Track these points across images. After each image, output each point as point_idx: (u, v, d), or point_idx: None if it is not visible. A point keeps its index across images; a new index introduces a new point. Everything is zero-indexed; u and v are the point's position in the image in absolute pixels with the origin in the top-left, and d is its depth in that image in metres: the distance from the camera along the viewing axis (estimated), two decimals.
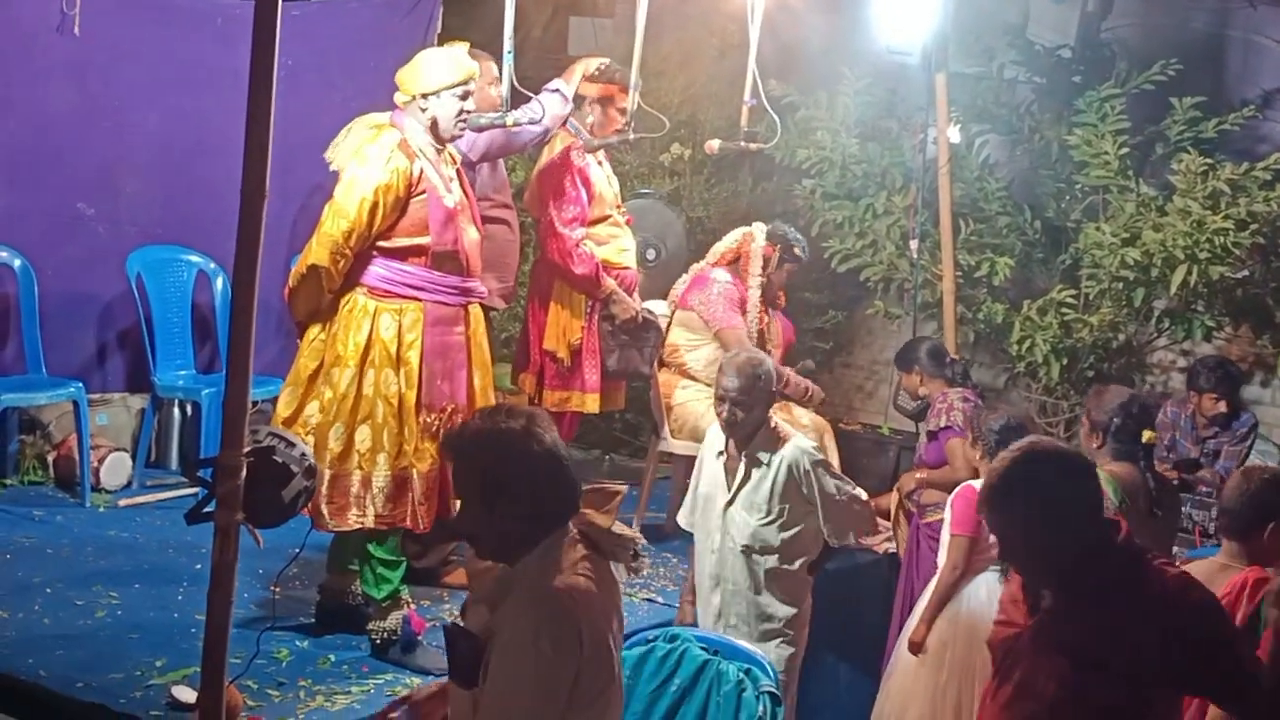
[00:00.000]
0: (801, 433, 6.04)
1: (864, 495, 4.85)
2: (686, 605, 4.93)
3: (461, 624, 2.93)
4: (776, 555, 4.66)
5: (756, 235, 6.25)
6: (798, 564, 4.72)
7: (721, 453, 4.72)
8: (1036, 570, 3.05)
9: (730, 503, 4.67)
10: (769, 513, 4.63)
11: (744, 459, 4.64)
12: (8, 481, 6.18)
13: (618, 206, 5.84)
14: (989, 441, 5.17)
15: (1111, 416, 4.68)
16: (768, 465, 4.63)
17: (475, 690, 2.83)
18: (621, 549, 2.92)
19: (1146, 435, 4.64)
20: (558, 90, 5.31)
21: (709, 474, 4.79)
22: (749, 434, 4.63)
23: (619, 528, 2.94)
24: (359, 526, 4.49)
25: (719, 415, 4.64)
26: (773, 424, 4.69)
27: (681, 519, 4.97)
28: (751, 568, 4.66)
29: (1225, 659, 2.97)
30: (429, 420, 4.48)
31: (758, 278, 6.21)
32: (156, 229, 6.55)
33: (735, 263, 6.26)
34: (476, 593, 3.01)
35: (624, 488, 3.11)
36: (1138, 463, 4.65)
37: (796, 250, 6.33)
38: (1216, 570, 3.96)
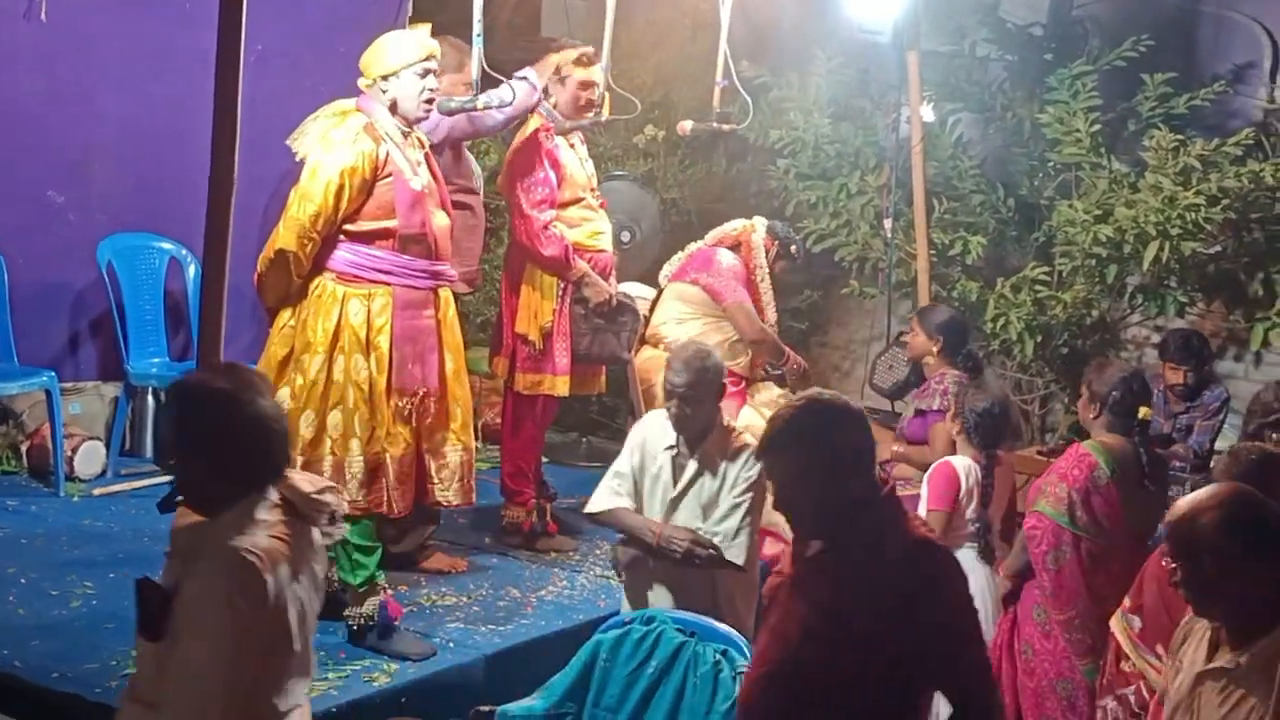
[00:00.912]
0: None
1: (752, 548, 4.48)
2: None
3: (154, 579, 2.95)
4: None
5: (757, 227, 6.26)
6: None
7: (672, 446, 4.48)
8: (808, 519, 3.03)
9: (677, 500, 4.44)
10: (715, 519, 4.41)
11: (696, 459, 4.43)
12: None
13: (592, 190, 5.82)
14: (968, 421, 5.20)
15: (1111, 390, 4.70)
16: (721, 468, 4.41)
17: (160, 645, 2.85)
18: (317, 512, 2.96)
19: (1143, 411, 4.68)
20: (526, 78, 5.28)
21: (657, 464, 4.52)
22: (700, 431, 4.43)
23: (320, 492, 2.99)
24: None
25: (669, 412, 4.46)
26: (726, 421, 4.50)
27: (610, 501, 4.59)
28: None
29: (957, 640, 2.92)
30: (401, 405, 4.48)
31: (764, 269, 6.22)
32: (128, 216, 6.50)
33: (734, 249, 6.26)
34: (174, 545, 3.03)
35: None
36: (1132, 437, 4.68)
37: (793, 249, 6.37)
38: None
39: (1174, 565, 3.01)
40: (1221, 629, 3.01)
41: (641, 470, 4.57)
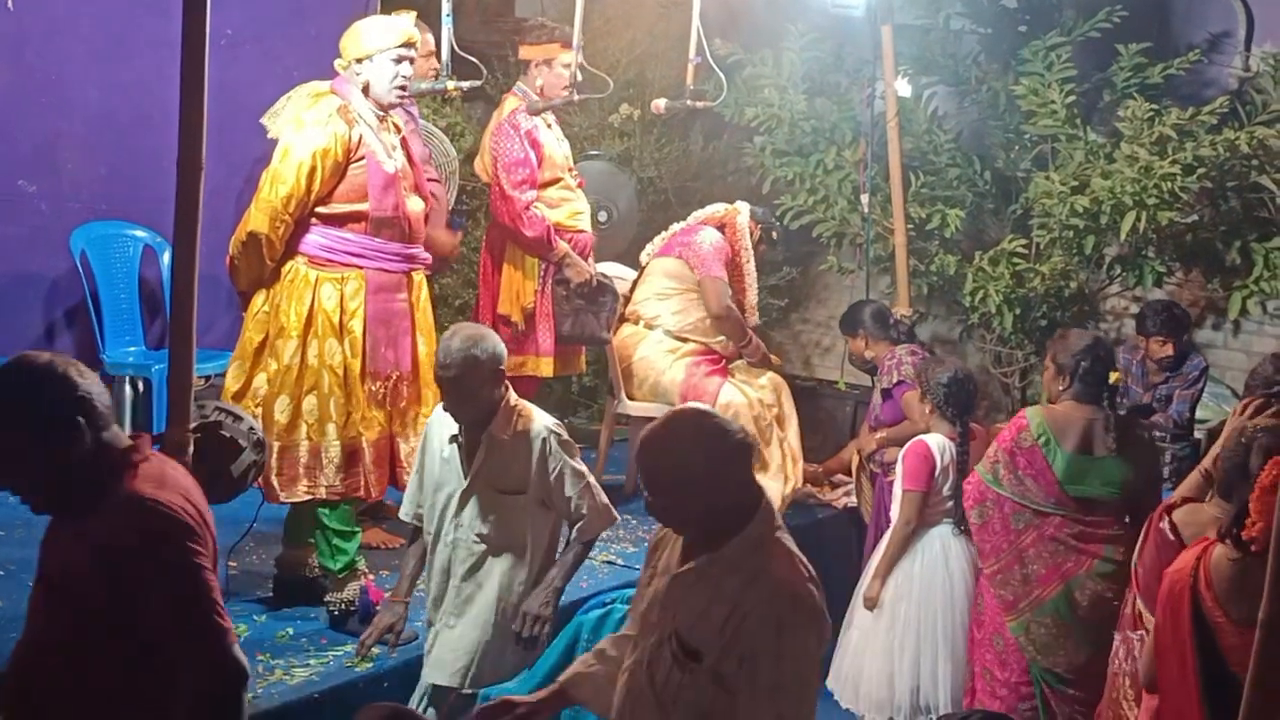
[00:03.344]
0: (760, 391, 6.09)
1: (601, 499, 4.22)
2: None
3: None
4: (514, 546, 4.18)
5: (741, 210, 6.27)
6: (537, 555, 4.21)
7: (455, 438, 4.17)
8: (27, 490, 2.89)
9: (468, 490, 4.15)
10: (510, 502, 4.14)
11: (483, 442, 4.11)
12: None
13: (570, 169, 5.81)
14: (937, 395, 5.23)
15: (1079, 360, 4.74)
16: (512, 447, 4.12)
17: None
18: None
19: (1114, 376, 4.72)
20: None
21: (439, 460, 4.23)
22: (482, 415, 4.09)
23: None
24: (309, 497, 4.48)
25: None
26: (512, 401, 4.16)
27: (405, 512, 4.35)
28: (485, 558, 4.16)
29: (173, 603, 2.76)
30: (375, 388, 4.47)
31: (749, 251, 6.24)
32: (100, 205, 6.47)
33: (719, 230, 6.26)
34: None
35: None
36: (1101, 404, 4.71)
37: (774, 234, 6.45)
38: (1209, 522, 3.98)
39: (649, 497, 3.02)
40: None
41: (428, 466, 4.28)
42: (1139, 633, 4.11)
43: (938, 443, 5.17)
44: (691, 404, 3.21)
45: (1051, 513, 4.66)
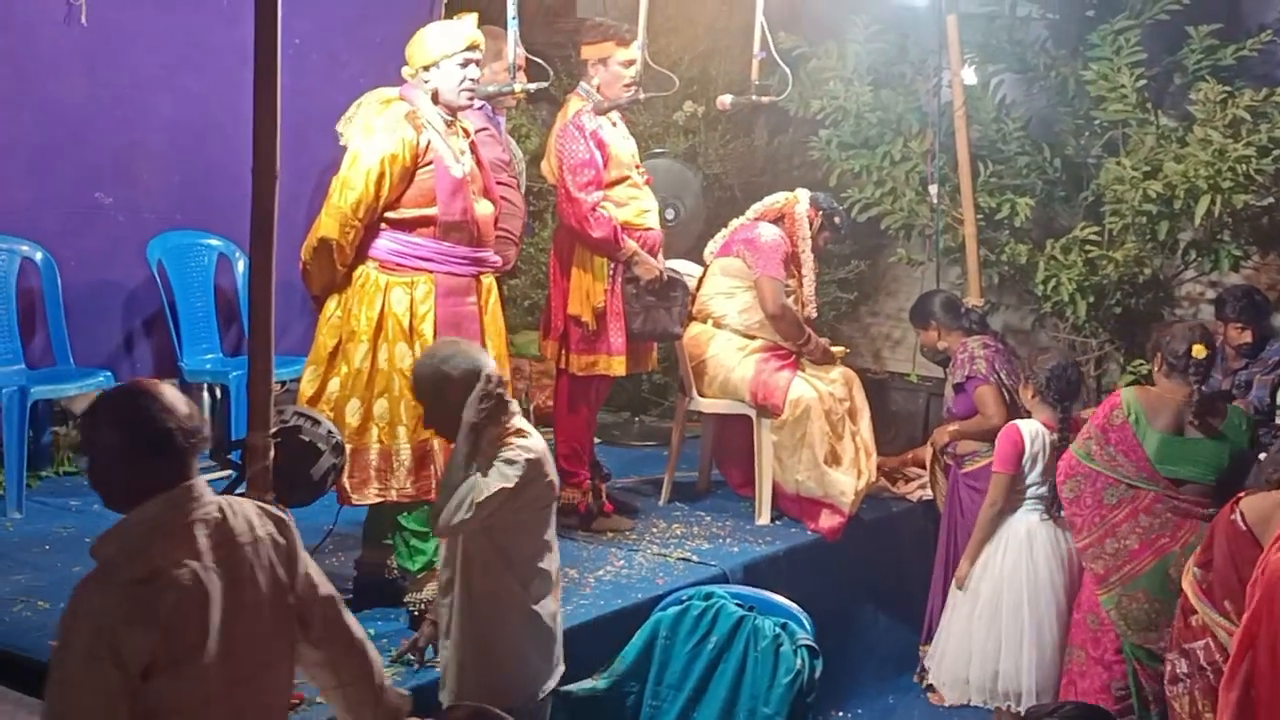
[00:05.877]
0: (831, 385, 6.08)
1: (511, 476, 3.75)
2: None
3: None
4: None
5: (801, 199, 6.26)
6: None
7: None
8: None
9: None
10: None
11: (476, 463, 3.79)
12: (43, 473, 6.21)
13: (637, 167, 5.82)
14: (1039, 380, 5.26)
15: (1167, 342, 4.85)
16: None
17: None
18: None
19: (1195, 349, 4.75)
20: None
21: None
22: (448, 431, 3.86)
23: None
24: (380, 500, 4.53)
25: None
26: (506, 420, 3.86)
27: None
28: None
29: None
30: None
31: (808, 241, 6.22)
32: (175, 214, 6.56)
33: (778, 222, 6.25)
34: None
35: None
36: (1190, 385, 4.76)
37: (836, 220, 6.40)
38: (1275, 507, 3.95)
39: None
40: None
41: None
42: (1199, 642, 4.10)
43: (1030, 429, 5.22)
44: (153, 382, 2.84)
45: (1144, 488, 4.74)
